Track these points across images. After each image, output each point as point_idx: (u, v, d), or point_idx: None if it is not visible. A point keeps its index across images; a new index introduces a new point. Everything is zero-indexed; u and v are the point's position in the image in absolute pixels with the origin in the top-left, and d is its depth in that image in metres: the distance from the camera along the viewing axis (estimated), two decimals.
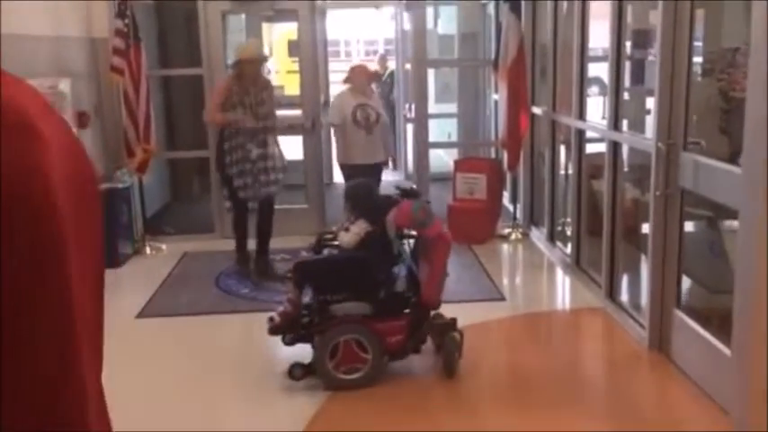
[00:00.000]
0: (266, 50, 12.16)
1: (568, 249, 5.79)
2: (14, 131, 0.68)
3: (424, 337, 3.94)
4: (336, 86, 7.65)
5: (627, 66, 4.88)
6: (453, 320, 4.02)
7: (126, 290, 5.81)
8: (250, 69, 5.62)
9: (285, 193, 6.71)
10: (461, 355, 3.94)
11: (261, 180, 5.65)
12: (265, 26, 10.12)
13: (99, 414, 0.80)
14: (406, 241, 4.11)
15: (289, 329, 3.90)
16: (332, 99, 6.82)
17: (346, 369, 3.80)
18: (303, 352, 3.92)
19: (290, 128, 6.84)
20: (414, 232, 4.05)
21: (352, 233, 3.94)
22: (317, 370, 3.83)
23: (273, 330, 3.90)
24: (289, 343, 3.92)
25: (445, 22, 10.43)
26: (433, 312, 3.98)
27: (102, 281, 0.78)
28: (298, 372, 3.85)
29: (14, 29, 4.79)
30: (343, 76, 6.50)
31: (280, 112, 6.15)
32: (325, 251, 4.23)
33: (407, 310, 3.91)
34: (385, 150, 6.39)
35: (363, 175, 5.90)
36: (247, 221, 5.94)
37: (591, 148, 5.41)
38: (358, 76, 6.16)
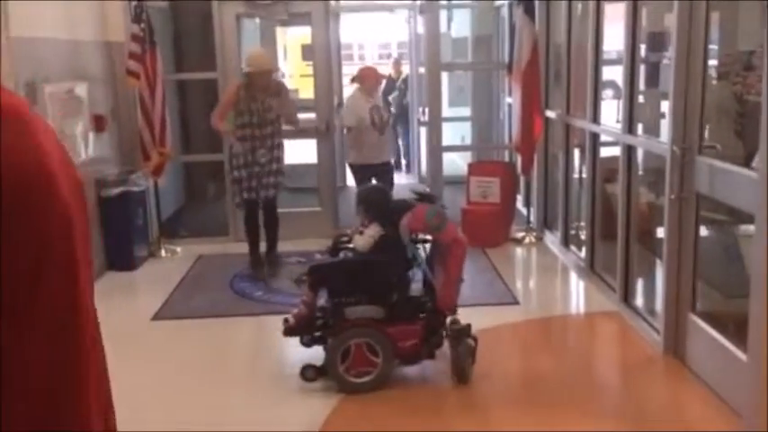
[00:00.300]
0: (280, 53, 12.23)
1: (582, 253, 5.76)
2: (14, 125, 0.70)
3: (440, 343, 3.93)
4: (350, 90, 7.67)
5: (641, 69, 4.85)
6: (468, 326, 4.01)
7: (141, 292, 5.86)
8: (259, 80, 5.73)
9: (299, 195, 6.75)
10: (475, 360, 3.93)
11: (262, 183, 5.83)
12: (279, 30, 10.17)
13: (106, 410, 0.81)
14: (421, 246, 4.10)
15: (303, 331, 3.93)
16: (347, 101, 6.87)
17: (357, 372, 3.81)
18: (317, 353, 3.93)
19: (302, 131, 6.85)
20: (428, 237, 4.04)
21: (366, 236, 3.96)
22: (328, 372, 3.85)
23: (288, 331, 3.94)
24: (307, 344, 3.95)
25: (459, 25, 10.43)
26: (449, 317, 3.98)
27: (92, 282, 0.79)
28: (310, 373, 3.89)
29: (30, 32, 4.84)
30: (352, 76, 6.63)
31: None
32: (341, 254, 4.24)
33: (422, 315, 3.91)
34: (393, 149, 6.47)
35: (375, 175, 6.00)
36: (257, 222, 6.06)
37: (605, 152, 5.39)
38: (369, 78, 6.25)
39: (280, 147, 5.92)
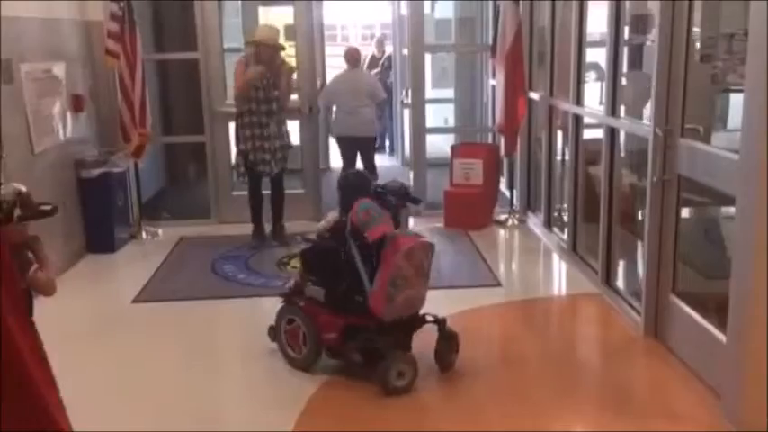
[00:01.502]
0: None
1: (565, 235, 5.79)
2: None
3: (380, 345, 3.65)
4: (332, 71, 7.65)
5: (625, 51, 4.85)
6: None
7: (122, 275, 5.81)
8: (266, 53, 5.82)
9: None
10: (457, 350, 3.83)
11: (267, 159, 5.97)
12: (262, 10, 10.04)
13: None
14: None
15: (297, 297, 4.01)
16: (370, 78, 7.73)
17: (296, 349, 3.89)
18: None
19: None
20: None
21: (326, 219, 3.96)
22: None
23: (283, 295, 4.06)
24: None
25: (442, 6, 10.37)
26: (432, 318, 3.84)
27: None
28: (273, 334, 4.03)
29: (7, 11, 4.75)
30: (348, 57, 7.15)
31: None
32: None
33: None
34: None
35: None
36: (261, 193, 6.19)
37: (588, 134, 5.39)
38: (358, 56, 7.02)
39: (285, 123, 6.08)
